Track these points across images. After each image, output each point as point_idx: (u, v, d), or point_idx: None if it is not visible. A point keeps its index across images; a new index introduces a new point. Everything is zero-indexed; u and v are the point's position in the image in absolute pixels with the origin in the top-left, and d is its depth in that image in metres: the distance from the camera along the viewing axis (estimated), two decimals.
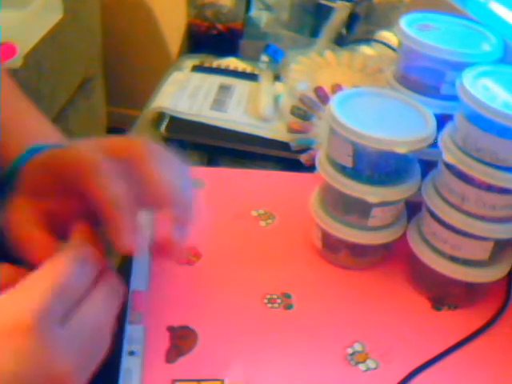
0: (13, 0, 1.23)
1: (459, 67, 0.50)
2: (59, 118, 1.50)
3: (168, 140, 0.73)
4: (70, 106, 1.57)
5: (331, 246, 0.56)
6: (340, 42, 0.87)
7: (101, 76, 1.79)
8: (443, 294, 0.53)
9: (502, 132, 0.45)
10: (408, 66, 0.57)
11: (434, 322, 0.52)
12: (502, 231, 0.49)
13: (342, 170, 0.52)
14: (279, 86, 0.79)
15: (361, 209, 0.53)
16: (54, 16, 1.40)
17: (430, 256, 0.52)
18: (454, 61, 0.52)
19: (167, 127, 0.74)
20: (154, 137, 0.74)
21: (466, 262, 0.51)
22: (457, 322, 0.52)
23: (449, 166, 0.49)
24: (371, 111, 0.53)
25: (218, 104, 0.78)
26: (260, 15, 1.03)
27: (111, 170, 0.44)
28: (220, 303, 0.51)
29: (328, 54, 0.77)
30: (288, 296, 0.53)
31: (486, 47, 0.54)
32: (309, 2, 1.00)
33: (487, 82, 0.48)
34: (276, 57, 0.87)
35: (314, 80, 0.73)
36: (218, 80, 0.83)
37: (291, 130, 0.72)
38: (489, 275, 0.52)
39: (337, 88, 0.70)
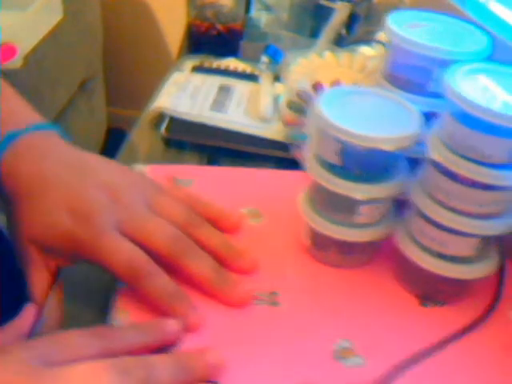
0: (13, 0, 1.23)
1: (446, 65, 0.50)
2: (59, 118, 1.50)
3: (168, 140, 0.74)
4: (70, 106, 1.57)
5: (320, 244, 0.56)
6: (340, 42, 0.87)
7: (101, 76, 1.79)
8: (431, 290, 0.54)
9: (488, 129, 0.45)
10: (395, 63, 0.57)
11: (421, 318, 0.52)
12: (488, 227, 0.49)
13: (330, 167, 0.52)
14: (279, 87, 0.79)
15: (348, 206, 0.53)
16: (54, 16, 1.41)
17: (417, 253, 0.52)
18: (440, 58, 0.52)
19: (167, 128, 0.74)
20: (154, 137, 0.74)
21: (454, 259, 0.51)
22: (445, 319, 0.52)
23: (435, 164, 0.49)
24: (358, 109, 0.53)
25: (218, 105, 0.78)
26: (260, 16, 1.03)
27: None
28: (206, 301, 0.51)
29: (328, 54, 0.77)
30: (275, 294, 0.52)
31: (474, 45, 0.54)
32: (309, 2, 1.01)
33: (473, 79, 0.48)
34: (276, 57, 0.87)
35: (313, 80, 0.73)
36: (217, 81, 0.83)
37: (286, 124, 0.72)
38: (476, 272, 0.52)
39: (336, 85, 0.70)
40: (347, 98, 0.54)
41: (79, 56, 1.60)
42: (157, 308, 0.48)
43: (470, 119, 0.46)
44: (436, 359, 0.48)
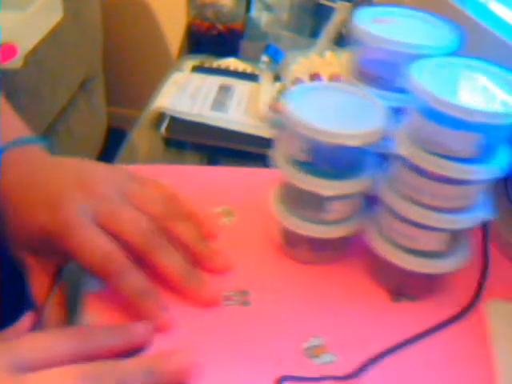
0: (13, 0, 1.23)
1: (413, 60, 0.49)
2: (59, 118, 1.50)
3: (168, 140, 0.74)
4: (71, 105, 1.57)
5: (292, 241, 0.56)
6: (340, 42, 0.87)
7: (101, 76, 1.79)
8: (402, 285, 0.54)
9: (454, 124, 0.45)
10: (363, 59, 0.56)
11: (393, 314, 0.52)
12: (457, 222, 0.49)
13: (298, 164, 0.52)
14: (279, 87, 0.79)
15: (318, 203, 0.53)
16: (54, 16, 1.41)
17: (387, 249, 0.52)
18: (407, 53, 0.52)
19: (167, 128, 0.74)
20: (154, 137, 0.74)
21: (424, 254, 0.51)
22: (417, 314, 0.52)
23: (402, 160, 0.49)
24: (326, 105, 0.53)
25: (219, 104, 0.78)
26: (260, 15, 1.03)
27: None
28: (176, 301, 0.50)
29: (328, 54, 0.77)
30: (246, 293, 0.52)
31: (442, 40, 0.54)
32: (309, 2, 1.01)
33: (439, 74, 0.48)
34: (276, 57, 0.87)
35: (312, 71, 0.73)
36: (218, 80, 0.83)
37: (273, 110, 0.71)
38: (446, 266, 0.52)
39: (335, 78, 0.70)
40: (314, 94, 0.53)
41: (79, 56, 1.60)
42: (128, 309, 0.48)
43: (436, 114, 0.46)
44: (409, 353, 0.48)
